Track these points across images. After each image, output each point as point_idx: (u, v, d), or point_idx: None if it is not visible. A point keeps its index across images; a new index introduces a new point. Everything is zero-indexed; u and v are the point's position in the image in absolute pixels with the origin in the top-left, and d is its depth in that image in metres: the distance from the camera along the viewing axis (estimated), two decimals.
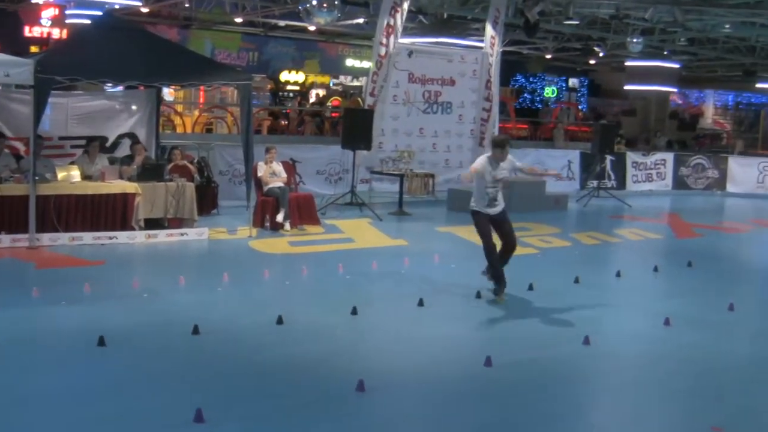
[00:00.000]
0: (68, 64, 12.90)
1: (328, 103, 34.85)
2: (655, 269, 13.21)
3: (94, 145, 14.85)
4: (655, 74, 36.46)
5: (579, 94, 48.61)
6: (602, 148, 23.10)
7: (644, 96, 39.92)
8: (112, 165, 14.62)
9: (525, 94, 45.53)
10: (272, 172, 15.51)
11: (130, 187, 13.78)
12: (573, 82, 48.09)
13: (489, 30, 21.49)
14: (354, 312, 9.60)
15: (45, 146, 14.51)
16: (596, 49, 33.36)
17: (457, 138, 21.33)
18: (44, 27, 29.23)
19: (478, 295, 10.74)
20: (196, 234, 14.10)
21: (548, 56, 38.24)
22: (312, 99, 37.47)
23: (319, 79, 38.78)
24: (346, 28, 31.98)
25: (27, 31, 29.14)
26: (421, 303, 10.18)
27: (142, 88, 16.12)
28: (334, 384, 7.32)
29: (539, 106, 45.61)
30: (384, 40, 18.84)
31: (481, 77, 21.45)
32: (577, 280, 11.90)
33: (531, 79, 45.79)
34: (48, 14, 29.19)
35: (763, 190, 26.04)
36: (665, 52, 33.51)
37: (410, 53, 20.08)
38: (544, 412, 7.04)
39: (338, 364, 7.93)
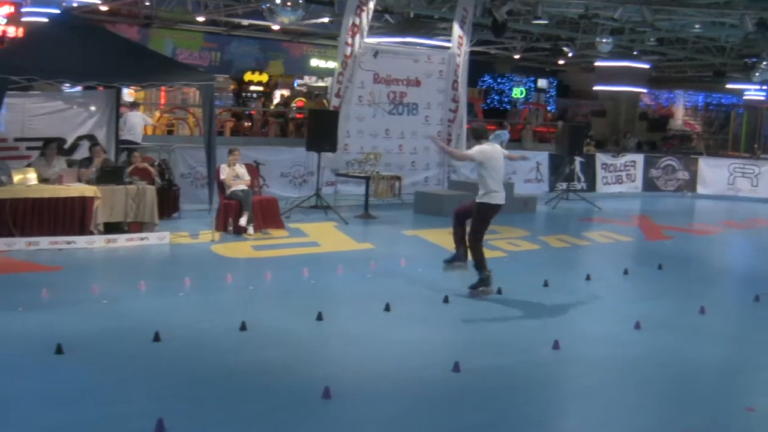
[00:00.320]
0: (24, 64, 12.79)
1: (293, 104, 34.80)
2: (626, 272, 13.30)
3: (52, 147, 14.74)
4: (625, 75, 36.64)
5: (548, 95, 48.84)
6: (571, 150, 23.22)
7: (614, 97, 40.16)
8: (70, 167, 14.51)
9: (493, 95, 45.67)
10: (235, 175, 15.47)
11: (88, 190, 13.67)
12: (542, 82, 48.30)
13: (456, 30, 21.53)
14: (319, 317, 9.58)
15: (0, 148, 14.39)
16: (565, 49, 33.49)
17: (424, 139, 21.31)
18: None
19: (446, 300, 10.75)
20: (157, 238, 14.02)
21: (516, 56, 38.34)
22: (276, 100, 37.39)
23: (284, 79, 38.71)
24: (310, 28, 31.91)
25: None
26: (387, 308, 10.19)
27: (101, 88, 16.02)
28: (300, 391, 7.31)
29: (507, 107, 45.77)
30: (349, 40, 18.84)
31: (448, 78, 21.50)
32: (546, 284, 11.95)
33: (499, 80, 45.93)
34: (3, 12, 28.85)
35: (733, 192, 26.30)
36: (635, 53, 33.69)
37: (376, 53, 20.08)
38: (514, 418, 7.07)
39: (303, 370, 7.91)
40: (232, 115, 32.27)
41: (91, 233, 13.52)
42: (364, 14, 18.97)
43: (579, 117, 44.88)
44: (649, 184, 26.76)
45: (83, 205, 13.57)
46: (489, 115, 41.74)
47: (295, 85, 39.29)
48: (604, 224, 19.33)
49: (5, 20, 28.83)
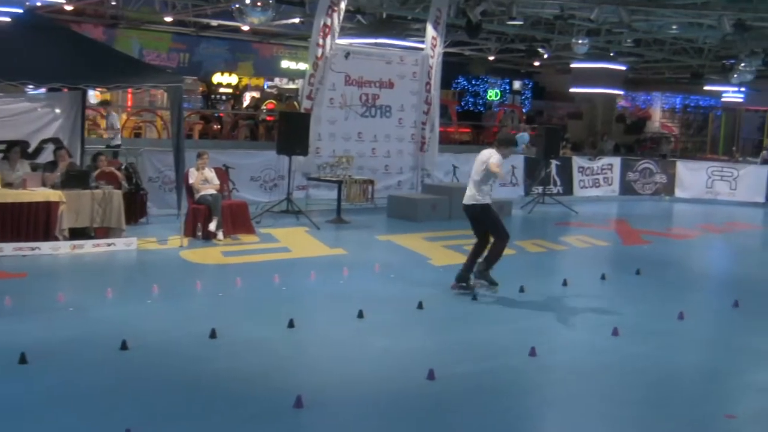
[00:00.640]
0: None
1: (263, 107, 34.80)
2: (603, 277, 13.36)
3: (15, 150, 14.65)
4: (602, 76, 36.90)
5: (523, 97, 49.05)
6: (547, 153, 23.29)
7: (590, 99, 40.39)
8: (34, 171, 14.45)
9: (467, 97, 45.79)
10: (204, 179, 15.43)
11: (53, 194, 13.60)
12: (517, 84, 48.50)
13: (430, 31, 21.55)
14: (291, 325, 9.57)
15: None
16: (541, 50, 33.68)
17: (398, 143, 21.36)
18: None
19: (420, 306, 10.76)
20: (124, 244, 13.96)
21: (491, 58, 38.48)
22: (246, 102, 37.38)
23: (253, 81, 38.68)
24: (281, 28, 31.92)
25: None
26: (360, 314, 10.18)
27: (66, 90, 15.93)
28: (271, 400, 7.29)
29: (482, 109, 45.93)
30: (321, 41, 18.81)
31: (422, 80, 21.52)
32: (522, 290, 11.99)
33: (473, 82, 46.06)
34: None
35: (711, 195, 26.46)
36: (611, 54, 33.90)
37: (347, 54, 20.06)
38: (489, 426, 7.07)
39: (275, 379, 7.90)
40: (200, 117, 32.28)
41: (56, 239, 13.45)
42: (335, 15, 18.94)
43: (555, 119, 45.13)
44: (627, 188, 26.87)
45: (48, 210, 13.49)
46: (463, 118, 41.89)
47: (266, 87, 39.31)
48: (581, 228, 19.40)
49: None
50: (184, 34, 34.20)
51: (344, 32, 24.63)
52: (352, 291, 11.69)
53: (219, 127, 32.40)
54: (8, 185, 13.79)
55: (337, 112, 19.98)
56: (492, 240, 11.84)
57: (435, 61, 21.54)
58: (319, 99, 19.21)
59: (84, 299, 10.59)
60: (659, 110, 49.34)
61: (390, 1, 25.96)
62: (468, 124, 41.46)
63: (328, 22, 18.82)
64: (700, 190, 26.69)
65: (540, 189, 23.81)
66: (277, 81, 39.61)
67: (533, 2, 23.77)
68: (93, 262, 13.06)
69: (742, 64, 27.54)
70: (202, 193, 15.26)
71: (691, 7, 22.88)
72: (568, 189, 25.45)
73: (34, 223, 13.40)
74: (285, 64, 38.47)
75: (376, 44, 25.74)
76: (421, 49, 22.26)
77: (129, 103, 31.46)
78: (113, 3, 28.65)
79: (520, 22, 27.31)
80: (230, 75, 37.07)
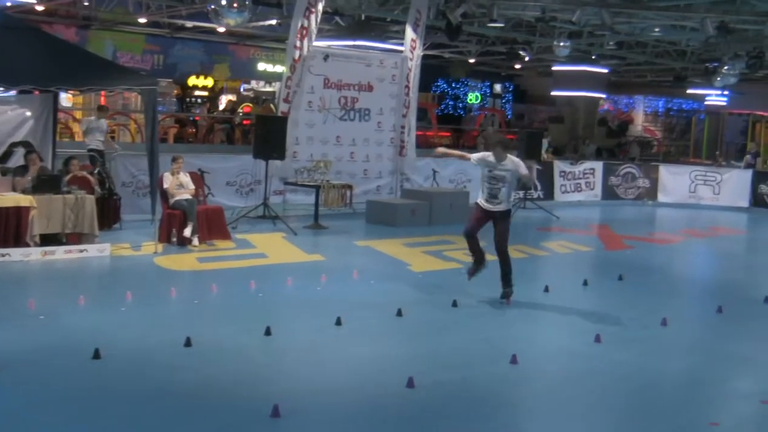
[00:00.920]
0: None
1: (239, 110, 34.71)
2: (585, 283, 13.41)
3: None
4: (583, 79, 37.04)
5: (504, 100, 49.11)
6: (528, 157, 23.30)
7: (572, 102, 40.50)
8: (4, 176, 14.35)
9: (447, 100, 45.82)
10: (179, 184, 15.39)
11: (24, 200, 13.53)
12: (498, 87, 48.56)
13: (409, 33, 21.56)
14: (267, 332, 9.55)
15: None
16: (522, 53, 33.70)
17: (377, 147, 21.37)
18: None
19: (399, 313, 10.76)
20: (97, 250, 13.90)
21: (471, 60, 38.53)
22: (222, 105, 37.26)
23: (230, 83, 38.59)
24: (257, 30, 31.87)
25: None
26: (338, 322, 10.17)
27: (36, 92, 15.86)
28: (247, 409, 7.27)
29: (462, 112, 45.97)
30: (298, 43, 18.80)
31: (401, 82, 21.53)
32: (503, 296, 11.99)
33: (454, 85, 46.11)
34: None
35: (695, 200, 26.59)
36: (593, 57, 34.02)
37: (326, 57, 20.07)
38: None
39: (251, 387, 7.87)
40: (175, 121, 32.11)
41: (27, 245, 13.38)
42: (312, 16, 18.93)
43: (536, 123, 45.22)
44: (609, 192, 26.98)
45: (18, 215, 13.42)
46: (443, 121, 41.91)
47: (242, 89, 39.19)
48: (563, 234, 19.46)
49: None
50: (159, 36, 34.11)
51: (322, 34, 24.63)
52: (330, 298, 11.67)
53: (194, 130, 32.26)
54: None
55: (315, 116, 19.97)
56: (497, 247, 12.05)
57: (414, 64, 21.55)
58: (297, 102, 19.20)
59: (55, 307, 10.55)
60: (642, 114, 49.50)
61: (369, 3, 25.96)
62: (448, 128, 41.43)
63: (306, 24, 18.80)
64: (683, 195, 26.83)
65: (521, 194, 23.84)
66: (253, 84, 39.51)
67: (514, 4, 23.83)
68: (65, 269, 12.99)
69: (726, 67, 27.72)
70: (177, 198, 15.22)
71: (673, 9, 22.98)
72: (549, 194, 25.51)
73: (4, 228, 13.32)
74: (262, 66, 38.42)
75: (354, 46, 25.74)
76: (401, 51, 22.26)
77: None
78: (86, 3, 28.50)
79: (501, 25, 27.34)
80: (206, 77, 36.98)
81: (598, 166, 27.34)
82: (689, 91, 42.95)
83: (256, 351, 9.10)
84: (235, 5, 18.05)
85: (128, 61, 33.05)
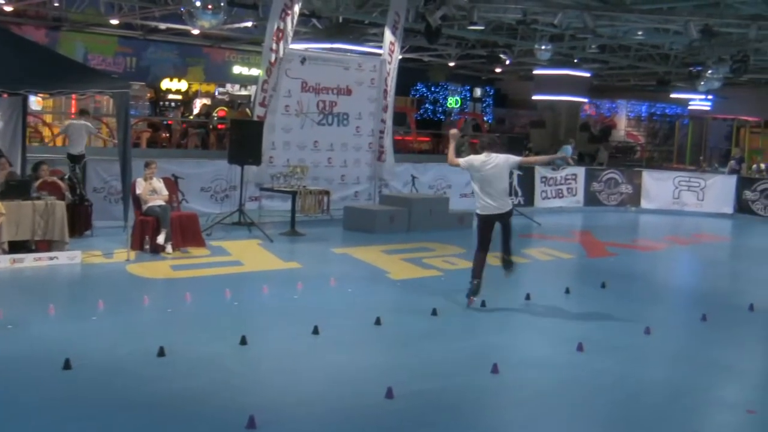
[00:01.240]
0: None
1: (214, 114, 34.69)
2: (567, 291, 13.43)
3: None
4: (565, 83, 37.16)
5: (484, 105, 49.27)
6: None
7: (554, 106, 40.62)
8: None
9: (426, 105, 45.92)
10: (152, 189, 15.35)
11: None
12: (478, 91, 48.69)
13: (388, 35, 21.56)
14: (243, 341, 9.53)
15: None
16: (502, 56, 33.81)
17: (355, 152, 21.35)
18: None
19: (378, 322, 10.75)
20: (68, 258, 13.84)
21: (451, 64, 38.65)
22: (196, 109, 37.24)
23: (204, 87, 38.56)
24: (233, 33, 31.89)
25: None
26: (315, 330, 10.16)
27: (5, 95, 15.79)
28: (222, 420, 7.26)
29: (442, 117, 46.08)
30: (274, 46, 18.76)
31: (380, 86, 21.53)
32: (483, 304, 12.01)
33: (433, 89, 46.21)
34: None
35: (678, 206, 26.68)
36: (575, 60, 34.17)
37: (303, 60, 20.05)
38: None
39: (226, 398, 7.85)
40: (148, 125, 32.08)
41: None
42: (289, 18, 18.90)
43: (517, 127, 45.33)
44: (591, 199, 27.03)
45: None
46: (423, 126, 41.97)
47: (217, 93, 39.19)
48: (544, 241, 19.50)
49: None
50: (131, 38, 34.05)
51: (299, 37, 24.64)
52: (306, 306, 11.66)
53: (168, 135, 32.25)
54: None
55: (292, 120, 19.93)
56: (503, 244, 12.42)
57: (392, 67, 21.55)
58: (273, 106, 19.18)
59: (24, 316, 10.48)
60: (625, 118, 49.70)
61: (346, 5, 25.95)
62: (427, 133, 41.52)
63: (282, 26, 18.77)
64: (666, 201, 26.92)
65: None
66: (228, 87, 39.52)
67: (495, 6, 23.87)
68: (34, 277, 12.93)
69: (710, 71, 27.83)
70: (150, 204, 15.17)
71: (657, 12, 23.09)
72: (529, 200, 25.50)
73: None
74: (237, 69, 38.40)
75: (332, 49, 25.73)
76: (379, 54, 22.27)
77: (72, 110, 31.19)
78: (56, 4, 28.44)
79: (481, 27, 27.42)
80: (179, 81, 36.94)
81: (581, 171, 27.35)
82: (673, 95, 43.14)
83: (232, 360, 9.08)
84: (209, 7, 18.01)
85: (100, 63, 32.99)
